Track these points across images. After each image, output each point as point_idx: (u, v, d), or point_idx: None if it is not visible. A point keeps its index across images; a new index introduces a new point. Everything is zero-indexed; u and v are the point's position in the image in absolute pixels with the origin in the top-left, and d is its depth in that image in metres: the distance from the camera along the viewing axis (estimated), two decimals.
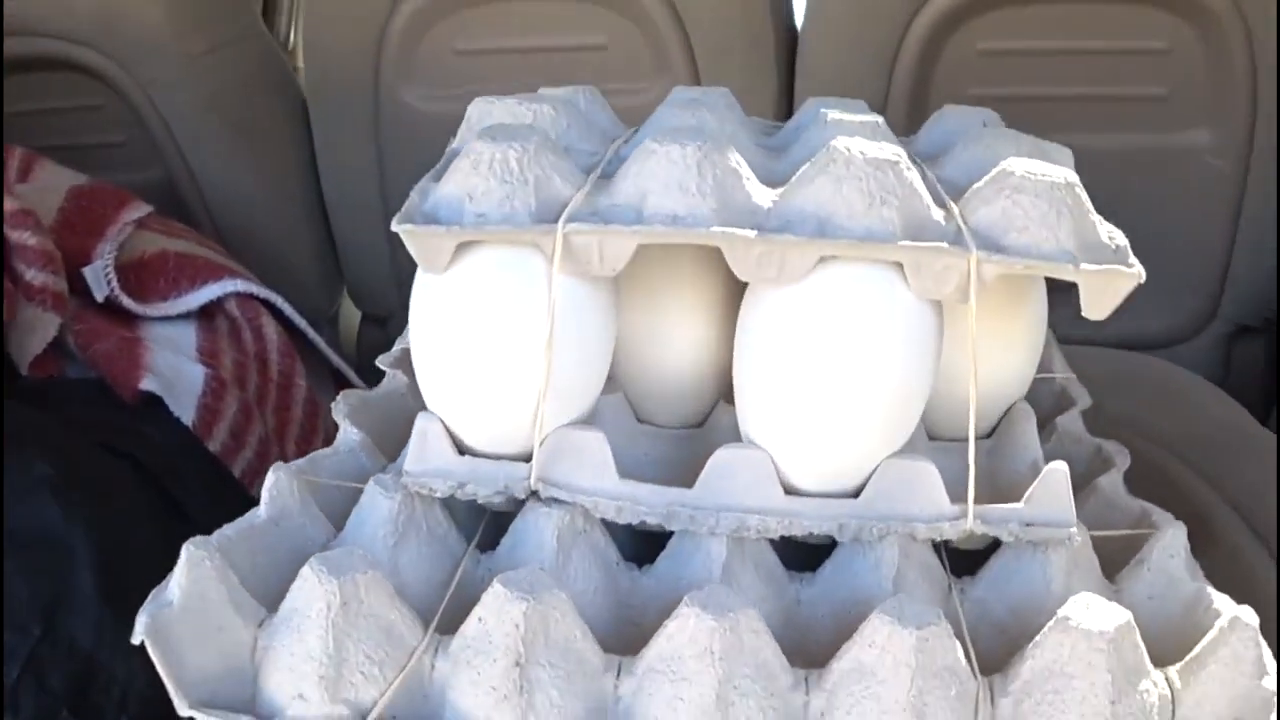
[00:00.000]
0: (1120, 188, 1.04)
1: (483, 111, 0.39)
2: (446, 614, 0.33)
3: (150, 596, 0.32)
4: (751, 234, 0.33)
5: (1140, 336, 1.02)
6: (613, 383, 0.39)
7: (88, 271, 0.81)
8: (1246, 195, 1.04)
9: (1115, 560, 0.38)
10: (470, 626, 0.31)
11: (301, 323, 0.93)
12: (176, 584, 0.31)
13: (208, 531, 0.34)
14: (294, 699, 0.31)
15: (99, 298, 0.81)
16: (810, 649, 0.34)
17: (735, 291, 0.37)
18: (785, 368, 0.34)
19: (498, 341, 0.34)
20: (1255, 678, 0.32)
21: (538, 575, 0.31)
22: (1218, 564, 0.39)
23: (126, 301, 0.82)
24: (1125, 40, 1.02)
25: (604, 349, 0.36)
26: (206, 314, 0.87)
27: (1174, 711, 0.32)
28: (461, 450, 0.35)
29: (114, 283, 0.82)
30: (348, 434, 0.41)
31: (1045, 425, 0.44)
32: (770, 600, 0.35)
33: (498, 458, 0.35)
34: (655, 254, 0.36)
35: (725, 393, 0.39)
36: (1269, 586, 0.50)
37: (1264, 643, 0.32)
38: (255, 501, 0.37)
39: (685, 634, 0.30)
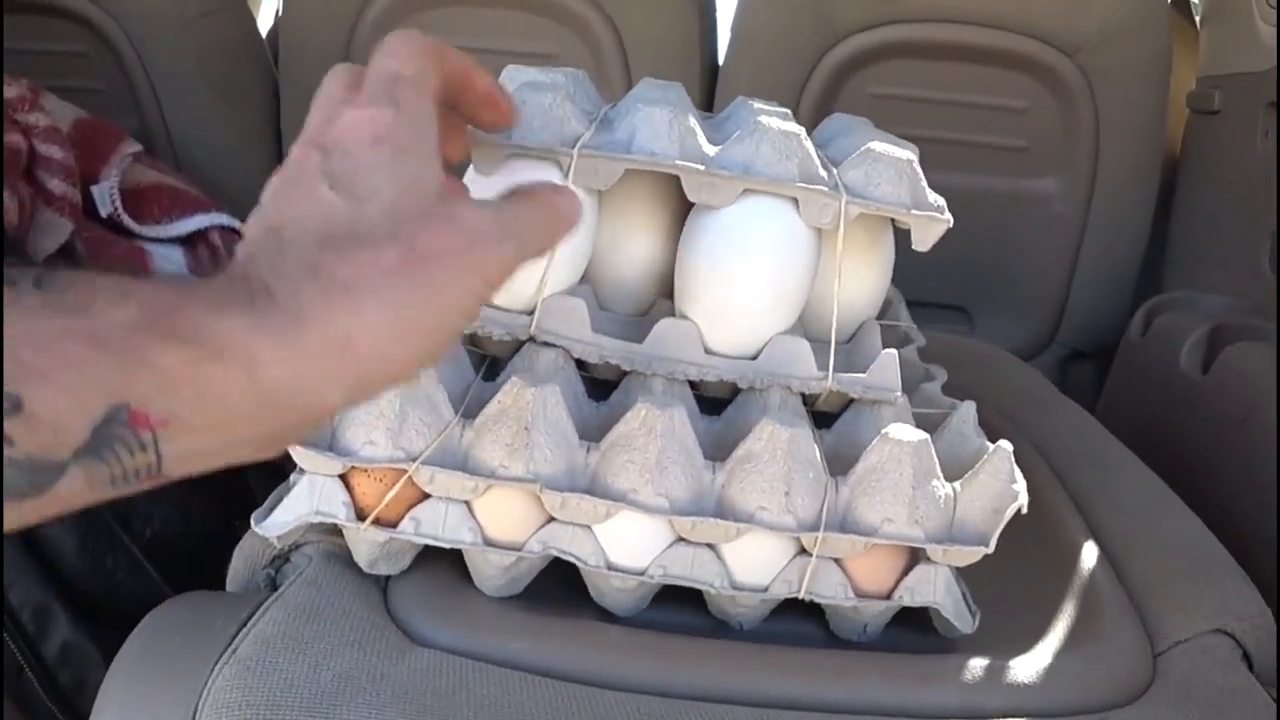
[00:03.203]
0: (982, 222, 1.24)
1: (514, 73, 0.54)
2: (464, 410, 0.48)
3: None
4: (700, 168, 0.48)
5: None
6: (584, 278, 0.54)
7: (95, 190, 0.92)
8: (1085, 238, 1.23)
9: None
10: (491, 407, 0.46)
11: None
12: None
13: None
14: (365, 444, 0.45)
15: (103, 214, 0.92)
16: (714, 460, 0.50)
17: (678, 217, 0.53)
18: (713, 265, 0.50)
19: None
20: (1009, 483, 0.48)
21: (540, 375, 0.46)
22: None
23: (127, 220, 0.93)
24: (994, 98, 1.20)
25: (588, 245, 0.51)
26: (191, 242, 0.98)
27: (955, 503, 0.48)
28: None
29: (118, 202, 0.93)
30: None
31: None
32: (691, 424, 0.51)
33: (507, 310, 0.50)
34: (627, 183, 0.51)
35: (666, 291, 0.55)
36: (1056, 502, 0.66)
37: (1015, 463, 0.49)
38: None
39: (638, 419, 0.46)
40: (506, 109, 0.38)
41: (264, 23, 1.54)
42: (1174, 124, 1.23)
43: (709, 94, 1.22)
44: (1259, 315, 0.98)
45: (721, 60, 1.22)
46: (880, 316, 0.62)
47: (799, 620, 0.51)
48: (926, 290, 1.24)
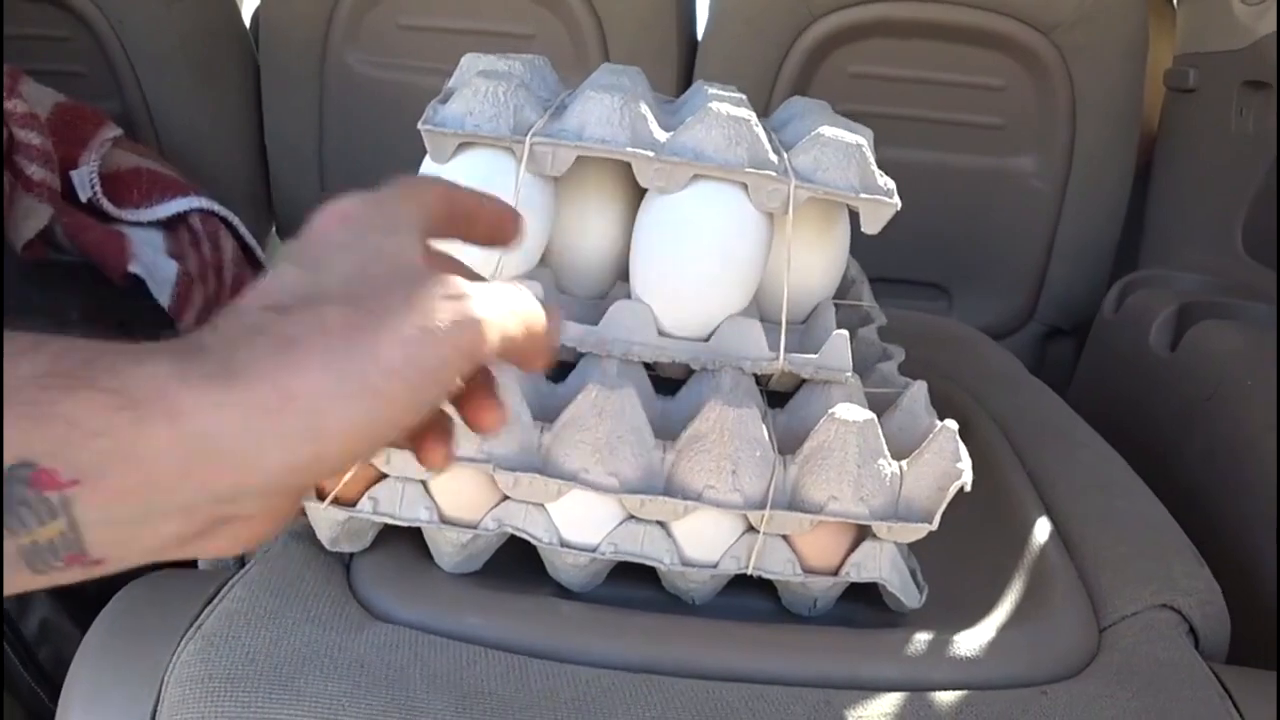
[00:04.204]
0: (960, 200, 1.25)
1: (472, 61, 0.55)
2: None
3: None
4: (651, 154, 0.49)
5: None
6: (542, 261, 0.55)
7: (75, 175, 0.93)
8: (1062, 215, 1.23)
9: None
10: None
11: (252, 241, 1.05)
12: None
13: None
14: None
15: (83, 198, 0.93)
16: (668, 439, 0.51)
17: (633, 202, 0.54)
18: (666, 249, 0.51)
19: None
20: (953, 462, 0.50)
21: None
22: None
23: (106, 204, 0.94)
24: (971, 76, 1.21)
25: (545, 228, 0.52)
26: (171, 224, 0.99)
27: (901, 482, 0.49)
28: None
29: (97, 186, 0.93)
30: None
31: (854, 334, 0.62)
32: (643, 405, 0.52)
33: None
34: (583, 169, 0.52)
35: (621, 274, 0.56)
36: (1013, 480, 0.67)
37: (961, 442, 0.50)
38: None
39: (589, 400, 0.47)
40: (518, 225, 0.34)
41: (246, 5, 1.54)
42: (1151, 102, 1.23)
43: (687, 73, 1.23)
44: (1230, 293, 0.99)
45: (700, 39, 1.22)
46: (842, 296, 0.63)
47: (752, 596, 0.53)
48: (905, 268, 1.25)
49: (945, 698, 0.47)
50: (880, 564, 0.50)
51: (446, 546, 0.50)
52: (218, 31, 1.27)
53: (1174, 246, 1.16)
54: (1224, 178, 1.08)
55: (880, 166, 0.53)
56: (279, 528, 0.27)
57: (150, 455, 0.23)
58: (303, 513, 0.52)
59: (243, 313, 0.25)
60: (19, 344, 0.22)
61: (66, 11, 1.20)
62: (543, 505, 0.49)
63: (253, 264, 1.03)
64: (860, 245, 0.59)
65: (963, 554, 0.57)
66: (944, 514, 0.49)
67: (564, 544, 0.49)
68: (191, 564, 0.55)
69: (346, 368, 0.25)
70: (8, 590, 0.23)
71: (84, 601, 0.68)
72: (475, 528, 0.48)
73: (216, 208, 1.00)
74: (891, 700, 0.46)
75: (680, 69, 1.21)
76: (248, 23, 1.37)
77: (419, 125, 0.48)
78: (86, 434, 0.22)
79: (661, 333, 0.52)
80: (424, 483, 0.48)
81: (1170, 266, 1.13)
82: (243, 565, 0.52)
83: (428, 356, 0.25)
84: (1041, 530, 0.61)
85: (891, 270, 1.19)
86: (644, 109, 0.51)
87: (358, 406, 0.25)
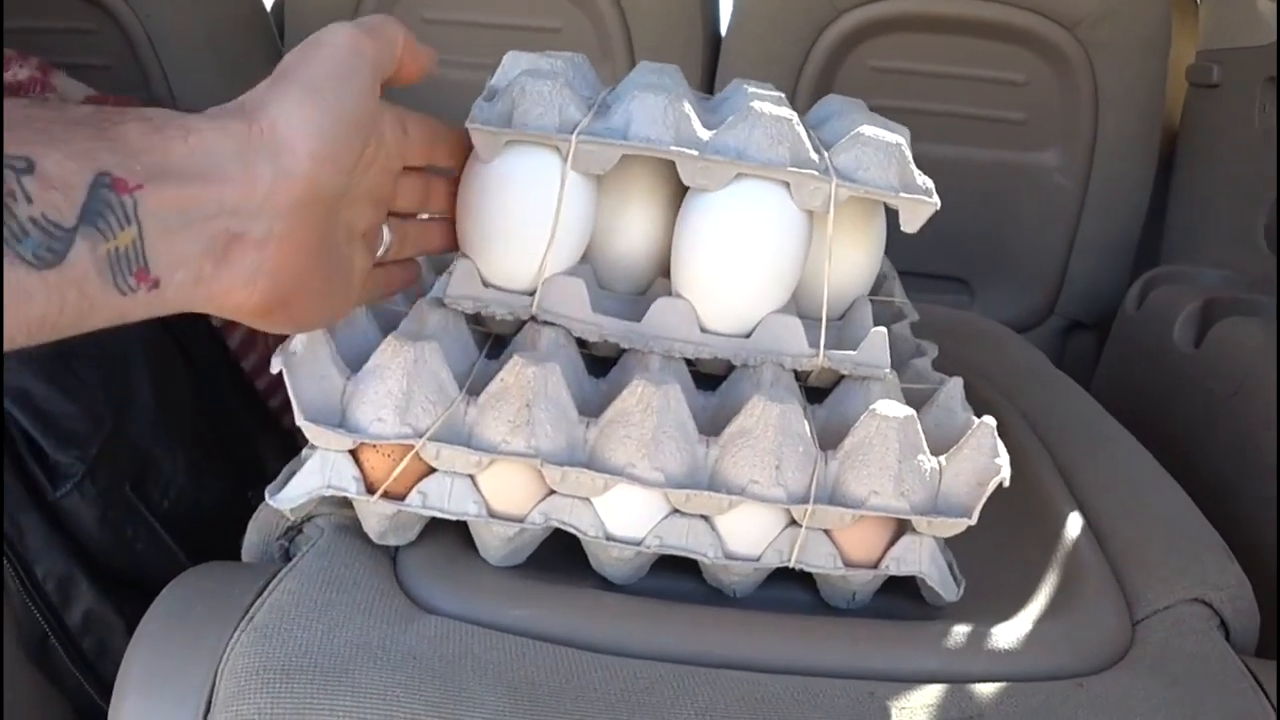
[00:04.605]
0: (983, 195, 1.25)
1: (515, 60, 0.56)
2: (469, 387, 0.50)
3: (280, 348, 0.47)
4: (695, 153, 0.50)
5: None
6: (584, 258, 0.56)
7: None
8: (1085, 210, 1.24)
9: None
10: (494, 385, 0.48)
11: None
12: (298, 340, 0.47)
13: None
14: (374, 421, 0.47)
15: None
16: (710, 434, 0.52)
17: (674, 200, 0.55)
18: (708, 247, 0.52)
19: (522, 210, 0.50)
20: (991, 457, 0.50)
21: (541, 353, 0.48)
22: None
23: None
24: (993, 71, 1.21)
25: (587, 226, 0.53)
26: None
27: (940, 477, 0.50)
28: (485, 284, 0.52)
29: None
30: None
31: (889, 329, 0.62)
32: (686, 400, 0.53)
33: (509, 291, 0.52)
34: (626, 167, 0.53)
35: (664, 270, 0.56)
36: (1044, 475, 0.68)
37: (999, 438, 0.50)
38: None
39: (635, 396, 0.47)
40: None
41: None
42: (1174, 98, 1.24)
43: (711, 69, 1.23)
44: (1253, 289, 1.00)
45: (723, 34, 1.23)
46: (875, 293, 0.64)
47: (791, 588, 0.53)
48: (928, 262, 1.25)
49: (985, 689, 0.48)
50: (920, 558, 0.51)
51: (493, 540, 0.50)
52: (243, 24, 1.28)
53: (1196, 242, 1.17)
54: (1247, 173, 1.08)
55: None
56: (288, 268, 0.36)
57: (178, 166, 0.31)
58: (349, 505, 0.53)
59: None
60: (68, 98, 0.31)
61: (94, 5, 1.21)
62: (589, 500, 0.49)
63: None
64: None
65: (996, 548, 0.57)
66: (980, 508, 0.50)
67: (609, 538, 0.49)
68: (236, 555, 0.56)
69: (303, 99, 0.36)
70: (97, 325, 0.30)
71: (128, 591, 0.69)
72: (522, 521, 0.49)
73: None
74: (933, 691, 0.47)
75: (705, 65, 1.22)
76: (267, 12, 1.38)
77: (466, 124, 0.48)
78: (137, 150, 0.30)
79: (703, 329, 0.53)
80: (472, 477, 0.49)
81: (1193, 262, 1.13)
82: (289, 559, 0.53)
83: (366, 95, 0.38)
84: (1073, 525, 0.61)
85: (914, 264, 1.19)
86: (688, 108, 0.51)
87: (310, 120, 0.35)
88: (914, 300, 0.70)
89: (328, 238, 0.39)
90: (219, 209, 0.32)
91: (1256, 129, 1.06)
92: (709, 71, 1.23)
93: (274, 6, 1.45)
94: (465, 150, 0.49)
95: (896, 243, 0.59)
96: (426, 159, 0.46)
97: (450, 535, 0.52)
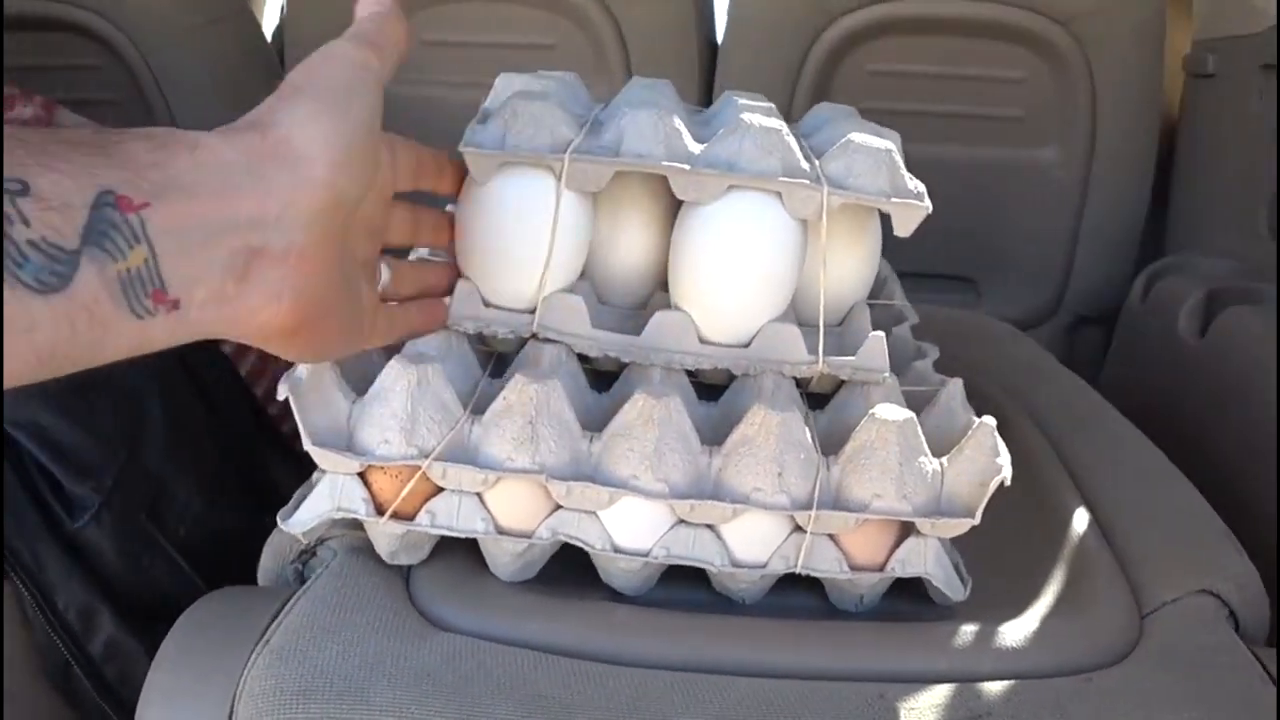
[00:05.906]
0: (984, 193, 1.26)
1: (507, 82, 0.56)
2: (473, 406, 0.51)
3: (285, 375, 0.48)
4: (687, 167, 0.51)
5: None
6: (582, 275, 0.57)
7: None
8: (1086, 204, 1.24)
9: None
10: (498, 403, 0.48)
11: None
12: (304, 366, 0.48)
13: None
14: (381, 443, 0.48)
15: None
16: (713, 444, 0.52)
17: (670, 213, 0.55)
18: (704, 259, 0.52)
19: (519, 230, 0.51)
20: (993, 457, 0.51)
21: (543, 370, 0.49)
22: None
23: None
24: (990, 69, 1.22)
25: (584, 243, 0.54)
26: None
27: (942, 478, 0.51)
28: (486, 304, 0.53)
29: None
30: None
31: (888, 333, 0.63)
32: (688, 411, 0.53)
33: (510, 310, 0.53)
34: (620, 183, 0.54)
35: (660, 284, 0.57)
36: (1050, 472, 0.68)
37: (999, 437, 0.51)
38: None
39: (636, 409, 0.48)
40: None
41: (267, 26, 1.57)
42: (1171, 88, 1.24)
43: (708, 79, 1.24)
44: (1257, 277, 1.00)
45: (719, 44, 1.23)
46: (875, 295, 0.64)
47: (799, 593, 0.54)
48: (934, 263, 1.25)
49: (994, 687, 0.48)
50: (925, 559, 0.51)
51: (502, 556, 0.51)
52: (244, 56, 1.29)
53: (1199, 232, 1.17)
54: (1247, 161, 1.08)
55: (903, 164, 0.54)
56: (312, 284, 0.35)
57: (185, 181, 0.30)
58: (360, 527, 0.53)
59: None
60: (67, 121, 0.31)
61: (96, 41, 1.22)
62: (595, 513, 0.50)
63: None
64: (887, 241, 0.60)
65: (1003, 546, 0.58)
66: (984, 507, 0.50)
67: (617, 549, 0.50)
68: (252, 579, 0.57)
69: (318, 110, 0.35)
70: (119, 354, 0.29)
71: (148, 618, 0.70)
72: (530, 537, 0.50)
73: None
74: (942, 691, 0.48)
75: (701, 75, 1.23)
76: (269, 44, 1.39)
77: (459, 148, 0.49)
78: (141, 166, 0.29)
79: (702, 340, 0.53)
80: (479, 495, 0.50)
81: (1196, 252, 1.13)
82: (303, 582, 0.53)
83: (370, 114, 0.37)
84: (1080, 520, 0.61)
85: (918, 265, 1.20)
86: (678, 123, 0.52)
87: (326, 129, 0.35)
88: (920, 301, 0.70)
89: (344, 256, 0.38)
90: (234, 223, 0.32)
91: (1254, 117, 1.07)
92: (706, 82, 1.23)
93: (274, 36, 1.47)
94: (450, 173, 0.50)
95: (902, 244, 0.60)
96: (413, 184, 0.47)
97: (461, 553, 0.53)
